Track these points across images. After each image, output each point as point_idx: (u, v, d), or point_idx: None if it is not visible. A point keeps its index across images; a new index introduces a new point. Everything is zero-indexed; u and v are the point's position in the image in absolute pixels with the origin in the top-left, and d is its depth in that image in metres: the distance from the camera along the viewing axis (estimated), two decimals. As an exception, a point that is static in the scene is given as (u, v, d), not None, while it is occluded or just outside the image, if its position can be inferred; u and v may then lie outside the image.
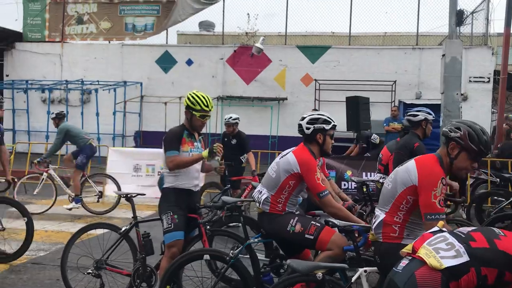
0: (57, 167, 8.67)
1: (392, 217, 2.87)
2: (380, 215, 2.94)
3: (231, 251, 3.60)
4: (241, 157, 7.51)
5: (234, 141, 7.57)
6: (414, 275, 2.02)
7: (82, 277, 4.24)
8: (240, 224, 4.22)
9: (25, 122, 17.08)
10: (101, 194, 8.65)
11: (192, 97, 3.97)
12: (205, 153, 3.91)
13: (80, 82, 16.54)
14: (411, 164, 2.89)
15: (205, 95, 4.02)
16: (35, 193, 8.34)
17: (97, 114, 15.68)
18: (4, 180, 5.44)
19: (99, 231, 4.64)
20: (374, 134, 10.42)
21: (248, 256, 3.96)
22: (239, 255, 3.58)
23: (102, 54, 17.29)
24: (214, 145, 3.88)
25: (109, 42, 17.77)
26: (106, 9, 17.59)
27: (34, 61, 17.44)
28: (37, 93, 16.95)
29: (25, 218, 5.31)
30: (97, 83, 16.23)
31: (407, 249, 2.17)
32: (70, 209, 8.02)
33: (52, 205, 8.25)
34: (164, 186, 4.01)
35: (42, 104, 17.17)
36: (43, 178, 8.41)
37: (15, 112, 17.30)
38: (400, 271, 2.09)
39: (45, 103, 16.99)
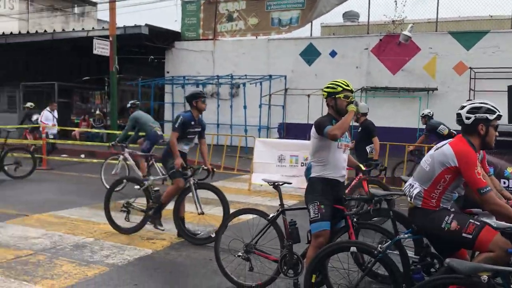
0: (131, 150, 9.31)
1: None
2: None
3: (379, 245, 3.50)
4: (366, 147, 7.24)
5: (359, 130, 7.39)
6: None
7: (232, 259, 4.51)
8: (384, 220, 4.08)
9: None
10: (165, 177, 8.51)
11: (330, 83, 4.05)
12: (350, 107, 3.91)
13: (229, 77, 17.51)
14: None
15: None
16: (113, 172, 9.11)
17: (245, 107, 16.48)
18: (206, 168, 5.99)
19: (249, 217, 4.89)
20: (442, 125, 9.76)
21: (396, 252, 3.82)
22: (387, 251, 3.47)
23: (250, 49, 18.07)
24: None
25: (256, 38, 18.49)
26: (253, 5, 18.33)
27: (190, 58, 18.95)
28: (193, 87, 18.37)
29: (223, 205, 5.75)
30: (245, 77, 17.03)
31: None
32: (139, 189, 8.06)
33: (125, 185, 8.70)
34: (311, 175, 4.04)
35: (196, 98, 18.58)
36: (119, 160, 9.25)
37: (175, 105, 19.03)
38: None
39: (199, 97, 18.36)
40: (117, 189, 6.49)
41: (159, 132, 9.33)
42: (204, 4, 19.07)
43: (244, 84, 16.82)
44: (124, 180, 6.58)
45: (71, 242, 5.69)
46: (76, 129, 17.72)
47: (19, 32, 20.87)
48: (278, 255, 4.24)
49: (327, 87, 4.04)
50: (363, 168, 4.84)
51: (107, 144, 10.05)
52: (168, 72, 19.42)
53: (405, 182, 3.77)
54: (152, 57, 18.72)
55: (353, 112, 3.92)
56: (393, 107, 15.07)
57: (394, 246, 3.72)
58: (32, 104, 16.85)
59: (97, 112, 19.57)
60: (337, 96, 3.97)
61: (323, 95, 4.08)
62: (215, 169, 6.20)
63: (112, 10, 14.97)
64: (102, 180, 9.38)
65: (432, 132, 9.82)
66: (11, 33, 20.49)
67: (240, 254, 4.36)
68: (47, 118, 13.45)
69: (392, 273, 3.39)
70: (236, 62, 18.09)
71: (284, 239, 4.20)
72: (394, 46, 15.50)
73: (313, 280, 3.58)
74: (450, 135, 10.10)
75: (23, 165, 10.64)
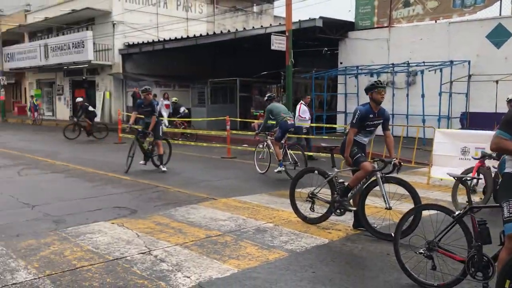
0: (271, 138, 10.45)
1: None
2: None
3: None
4: None
5: None
6: None
7: (413, 255, 4.33)
8: None
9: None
10: (296, 163, 9.85)
11: None
12: None
13: (406, 65, 16.73)
14: None
15: None
16: (259, 157, 10.83)
17: (422, 96, 15.58)
18: (392, 162, 5.76)
19: (430, 212, 4.62)
20: None
21: None
22: None
23: (428, 34, 17.01)
24: None
25: (436, 22, 17.29)
26: (433, -13, 17.17)
27: (363, 47, 18.63)
28: (366, 77, 18.06)
29: (414, 200, 5.37)
30: (422, 64, 16.08)
31: None
32: (279, 172, 9.77)
33: (268, 168, 10.40)
34: (505, 171, 3.63)
35: (370, 88, 18.25)
36: (264, 147, 10.75)
37: (347, 96, 18.96)
38: None
39: (373, 87, 17.99)
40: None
41: (289, 122, 10.14)
42: (379, -9, 18.52)
43: (421, 72, 15.89)
44: (316, 171, 6.47)
45: (253, 226, 6.13)
46: (256, 121, 18.91)
47: (207, 34, 23.01)
48: (465, 255, 3.93)
49: None
50: None
51: (254, 133, 11.23)
52: (341, 63, 19.40)
53: None
54: (326, 49, 18.92)
55: None
56: None
57: None
58: (176, 98, 19.16)
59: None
60: None
61: None
62: (402, 163, 5.92)
63: (288, 6, 15.48)
64: (255, 166, 10.68)
65: None
66: (201, 35, 22.72)
67: (422, 251, 4.16)
68: (304, 111, 13.31)
69: None
70: (412, 49, 17.20)
71: (472, 239, 3.88)
72: None
73: (506, 286, 3.24)
74: None
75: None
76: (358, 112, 5.86)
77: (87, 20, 28.13)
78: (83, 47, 25.47)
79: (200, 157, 13.51)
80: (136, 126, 11.23)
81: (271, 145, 10.33)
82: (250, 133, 14.20)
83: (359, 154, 5.87)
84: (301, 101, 13.36)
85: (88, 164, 11.87)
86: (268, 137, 10.49)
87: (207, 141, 16.88)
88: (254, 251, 5.14)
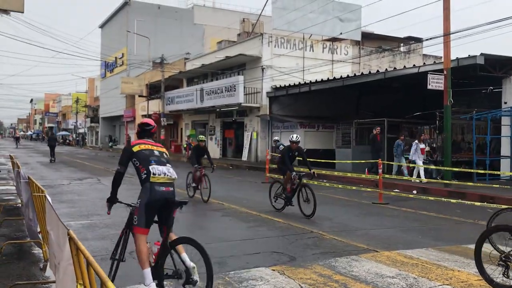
0: None
1: None
2: None
3: None
4: None
5: None
6: None
7: None
8: None
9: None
10: None
11: None
12: None
13: None
14: None
15: None
16: None
17: None
18: None
19: None
20: None
21: None
22: None
23: None
24: None
25: None
26: None
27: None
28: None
29: None
30: None
31: None
32: None
33: None
34: None
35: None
36: None
37: (514, 139, 17.02)
38: None
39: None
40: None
41: None
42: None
43: None
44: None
45: (426, 286, 5.49)
46: (404, 164, 17.87)
47: (354, 74, 22.78)
48: None
49: None
50: None
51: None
52: (505, 103, 17.54)
53: None
54: (491, 87, 17.30)
55: None
56: None
57: None
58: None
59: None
60: None
61: None
62: None
63: (447, 44, 14.59)
64: None
65: None
66: (348, 75, 22.57)
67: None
68: None
69: None
70: None
71: None
72: None
73: None
74: None
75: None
76: None
77: (238, 65, 29.96)
78: (234, 90, 27.04)
79: (349, 201, 13.06)
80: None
81: None
82: (405, 178, 13.34)
83: None
84: None
85: (241, 203, 12.18)
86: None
87: (353, 183, 16.36)
88: (435, 318, 4.54)
